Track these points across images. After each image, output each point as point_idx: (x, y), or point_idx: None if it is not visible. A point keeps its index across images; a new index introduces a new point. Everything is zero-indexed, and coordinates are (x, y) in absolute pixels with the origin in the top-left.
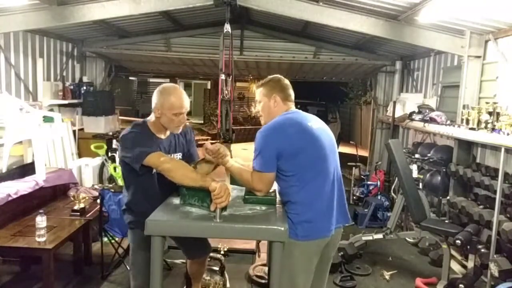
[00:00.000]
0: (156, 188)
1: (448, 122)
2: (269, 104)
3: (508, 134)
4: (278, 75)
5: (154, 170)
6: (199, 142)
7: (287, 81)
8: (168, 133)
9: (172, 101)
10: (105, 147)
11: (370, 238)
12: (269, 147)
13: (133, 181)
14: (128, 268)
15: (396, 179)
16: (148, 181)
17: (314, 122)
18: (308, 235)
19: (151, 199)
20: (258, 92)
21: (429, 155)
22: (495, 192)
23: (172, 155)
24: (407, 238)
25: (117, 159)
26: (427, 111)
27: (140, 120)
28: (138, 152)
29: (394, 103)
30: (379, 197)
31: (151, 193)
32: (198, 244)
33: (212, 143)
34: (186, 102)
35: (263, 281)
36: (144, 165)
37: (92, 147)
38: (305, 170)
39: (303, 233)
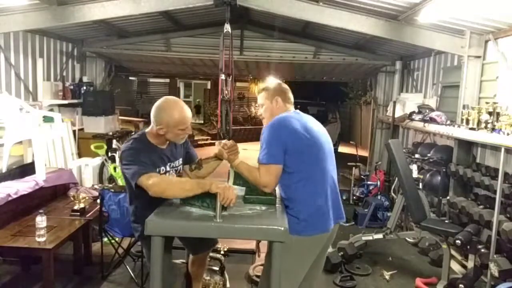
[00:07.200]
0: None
1: (448, 122)
2: (271, 106)
3: (508, 134)
4: (278, 81)
5: None
6: (199, 142)
7: (286, 86)
8: (167, 141)
9: (176, 117)
10: (105, 147)
11: (370, 238)
12: (276, 140)
13: (134, 193)
14: (128, 268)
15: (396, 179)
16: (146, 194)
17: (314, 124)
18: (308, 231)
19: (149, 209)
20: (260, 96)
21: (429, 155)
22: (495, 192)
23: (175, 162)
24: (407, 238)
25: (117, 159)
26: (427, 111)
27: (138, 133)
28: (134, 170)
29: (394, 103)
30: (379, 197)
31: (153, 203)
32: (201, 239)
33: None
34: (189, 114)
35: None
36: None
37: (92, 147)
38: (306, 167)
39: (303, 229)
